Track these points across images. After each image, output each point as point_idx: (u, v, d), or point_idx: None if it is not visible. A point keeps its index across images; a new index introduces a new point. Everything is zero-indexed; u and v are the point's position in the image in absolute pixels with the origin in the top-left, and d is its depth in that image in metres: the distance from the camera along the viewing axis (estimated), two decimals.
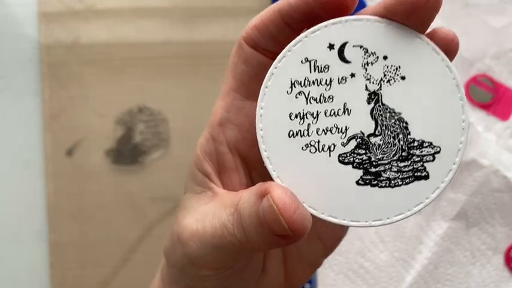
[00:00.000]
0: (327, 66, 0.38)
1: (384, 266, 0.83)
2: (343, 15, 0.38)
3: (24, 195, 0.91)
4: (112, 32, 0.93)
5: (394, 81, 0.38)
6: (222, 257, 0.41)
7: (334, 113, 0.38)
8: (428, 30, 0.38)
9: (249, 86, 0.42)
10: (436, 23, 0.74)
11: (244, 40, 0.41)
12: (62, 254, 0.92)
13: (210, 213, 0.41)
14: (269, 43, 0.40)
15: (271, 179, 0.38)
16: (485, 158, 0.80)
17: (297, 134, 0.38)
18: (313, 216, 0.38)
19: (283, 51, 0.38)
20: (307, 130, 0.38)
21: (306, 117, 0.38)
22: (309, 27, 0.38)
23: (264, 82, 0.38)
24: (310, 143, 0.38)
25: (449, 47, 0.38)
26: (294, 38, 0.38)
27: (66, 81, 0.92)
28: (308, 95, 0.38)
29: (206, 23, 0.93)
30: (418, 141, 0.38)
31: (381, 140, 0.38)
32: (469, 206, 0.81)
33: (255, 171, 0.44)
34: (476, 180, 0.81)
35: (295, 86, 0.38)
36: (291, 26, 0.39)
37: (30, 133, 0.91)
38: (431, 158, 0.38)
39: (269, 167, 0.38)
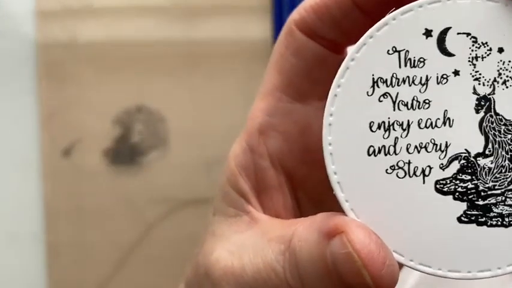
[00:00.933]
0: (422, 60, 0.27)
1: None
2: None
3: (20, 196, 0.88)
4: (110, 30, 0.90)
5: None
6: None
7: (431, 123, 0.27)
8: None
9: (300, 84, 0.32)
10: None
11: (297, 25, 0.31)
12: (59, 255, 0.90)
13: (249, 246, 0.31)
14: (330, 30, 0.30)
15: (340, 210, 0.28)
16: None
17: (379, 152, 0.27)
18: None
19: (363, 37, 0.27)
20: (394, 146, 0.27)
21: (393, 129, 0.27)
22: (397, 7, 0.27)
23: (335, 79, 0.27)
24: (397, 165, 0.27)
25: None
26: (365, 25, 0.28)
27: (63, 81, 0.88)
28: (396, 98, 0.27)
29: (205, 21, 0.89)
30: None
31: (492, 163, 0.27)
32: None
33: (302, 191, 0.34)
34: None
35: (378, 86, 0.27)
36: (363, 8, 0.29)
37: (26, 133, 0.88)
38: None
39: (340, 195, 0.27)
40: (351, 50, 0.27)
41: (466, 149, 0.26)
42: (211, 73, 0.87)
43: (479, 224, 0.26)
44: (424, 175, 0.27)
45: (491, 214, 0.26)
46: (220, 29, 0.87)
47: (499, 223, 0.26)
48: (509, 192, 0.26)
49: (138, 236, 0.87)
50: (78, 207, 0.87)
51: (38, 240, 0.87)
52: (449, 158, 0.26)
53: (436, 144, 0.26)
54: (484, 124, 0.26)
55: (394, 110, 0.27)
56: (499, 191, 0.26)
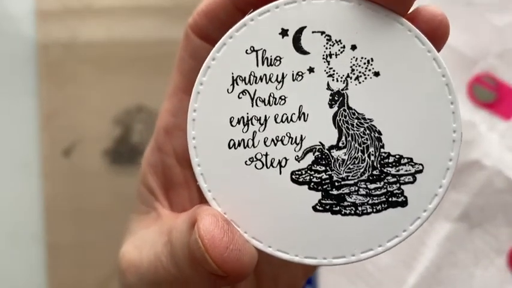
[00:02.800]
0: (278, 58, 0.29)
1: (386, 268, 0.77)
2: None
3: (20, 196, 0.88)
4: (110, 30, 0.90)
5: (365, 78, 0.29)
6: None
7: (287, 118, 0.29)
8: (410, 10, 0.29)
9: None
10: None
11: (191, 28, 0.34)
12: (60, 256, 0.89)
13: (148, 240, 0.34)
14: (220, 32, 0.32)
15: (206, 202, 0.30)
16: (488, 158, 0.76)
17: (239, 145, 0.29)
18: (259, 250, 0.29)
19: (223, 37, 0.30)
20: (253, 140, 0.29)
21: (251, 124, 0.29)
22: (256, 9, 0.30)
23: (197, 78, 0.30)
24: (255, 157, 0.29)
25: (436, 32, 0.29)
26: None
27: (63, 81, 0.89)
28: (254, 94, 0.29)
29: None
30: (394, 156, 0.29)
31: (345, 154, 0.29)
32: (472, 206, 0.75)
33: None
34: (479, 181, 0.75)
35: (237, 83, 0.29)
36: (243, 9, 0.31)
37: (26, 133, 0.88)
38: (411, 179, 0.29)
39: (203, 186, 0.30)
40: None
41: (320, 142, 0.29)
42: None
43: (334, 212, 0.29)
44: (281, 166, 0.29)
45: (345, 203, 0.28)
46: None
47: (353, 212, 0.29)
48: (362, 183, 0.28)
49: None
50: (78, 208, 0.87)
51: (38, 241, 0.87)
52: (304, 150, 0.29)
53: (292, 138, 0.29)
54: (338, 118, 0.28)
55: (252, 106, 0.29)
56: (352, 182, 0.29)
